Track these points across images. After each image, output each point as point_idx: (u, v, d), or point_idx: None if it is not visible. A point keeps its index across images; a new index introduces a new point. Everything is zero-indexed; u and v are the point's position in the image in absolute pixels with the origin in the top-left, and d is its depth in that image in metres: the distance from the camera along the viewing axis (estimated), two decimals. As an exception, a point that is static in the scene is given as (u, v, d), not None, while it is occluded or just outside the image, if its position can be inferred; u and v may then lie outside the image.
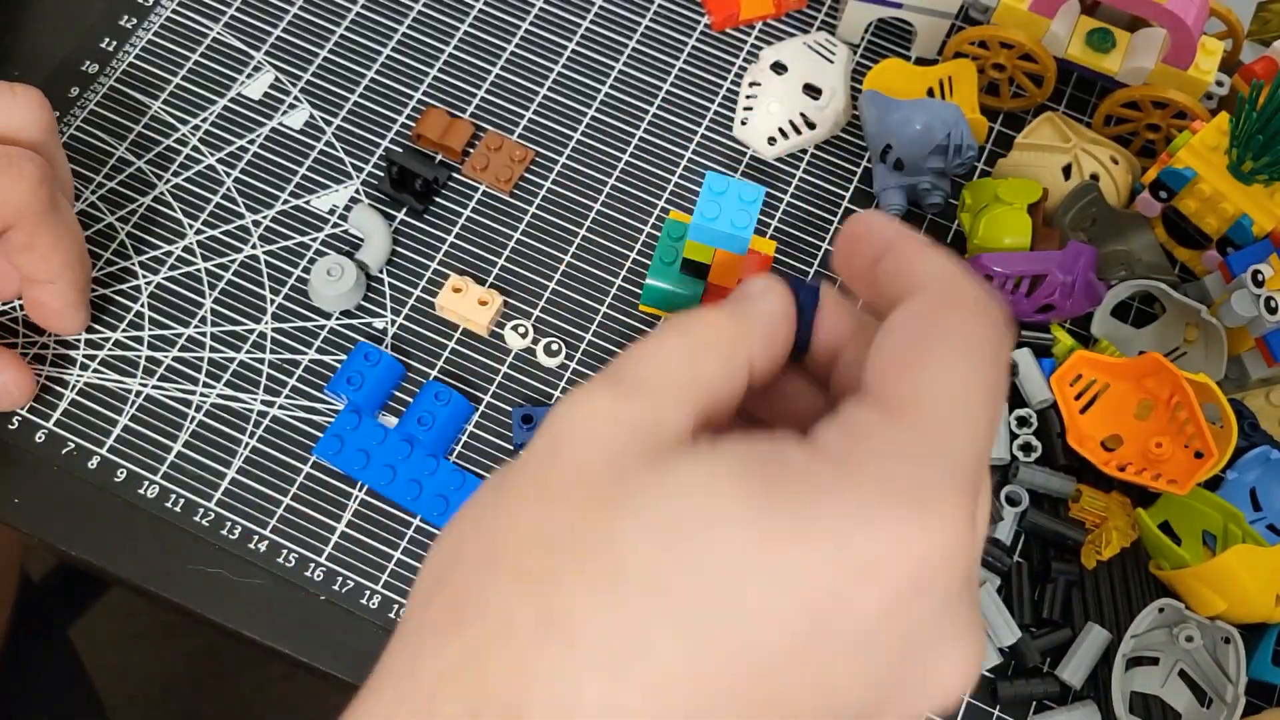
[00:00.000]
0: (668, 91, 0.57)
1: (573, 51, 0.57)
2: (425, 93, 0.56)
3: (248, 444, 0.48)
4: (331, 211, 0.53)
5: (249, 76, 0.55)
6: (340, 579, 0.46)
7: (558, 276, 0.52)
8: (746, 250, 0.46)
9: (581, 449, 0.23)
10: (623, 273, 0.53)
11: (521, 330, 0.51)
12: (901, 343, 0.24)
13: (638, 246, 0.53)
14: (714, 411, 0.25)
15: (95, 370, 0.49)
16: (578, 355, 0.51)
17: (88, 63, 0.55)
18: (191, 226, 0.52)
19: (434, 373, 0.50)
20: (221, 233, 0.52)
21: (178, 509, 0.47)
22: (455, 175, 0.54)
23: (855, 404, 0.23)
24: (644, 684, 0.20)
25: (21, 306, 0.50)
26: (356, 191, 0.53)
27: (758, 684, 0.21)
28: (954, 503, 0.21)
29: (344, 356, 0.50)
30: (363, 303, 0.51)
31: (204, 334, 0.50)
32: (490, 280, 0.52)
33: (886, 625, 0.21)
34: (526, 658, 0.21)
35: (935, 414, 0.22)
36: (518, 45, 0.57)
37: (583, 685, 0.20)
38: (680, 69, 0.57)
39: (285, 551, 0.47)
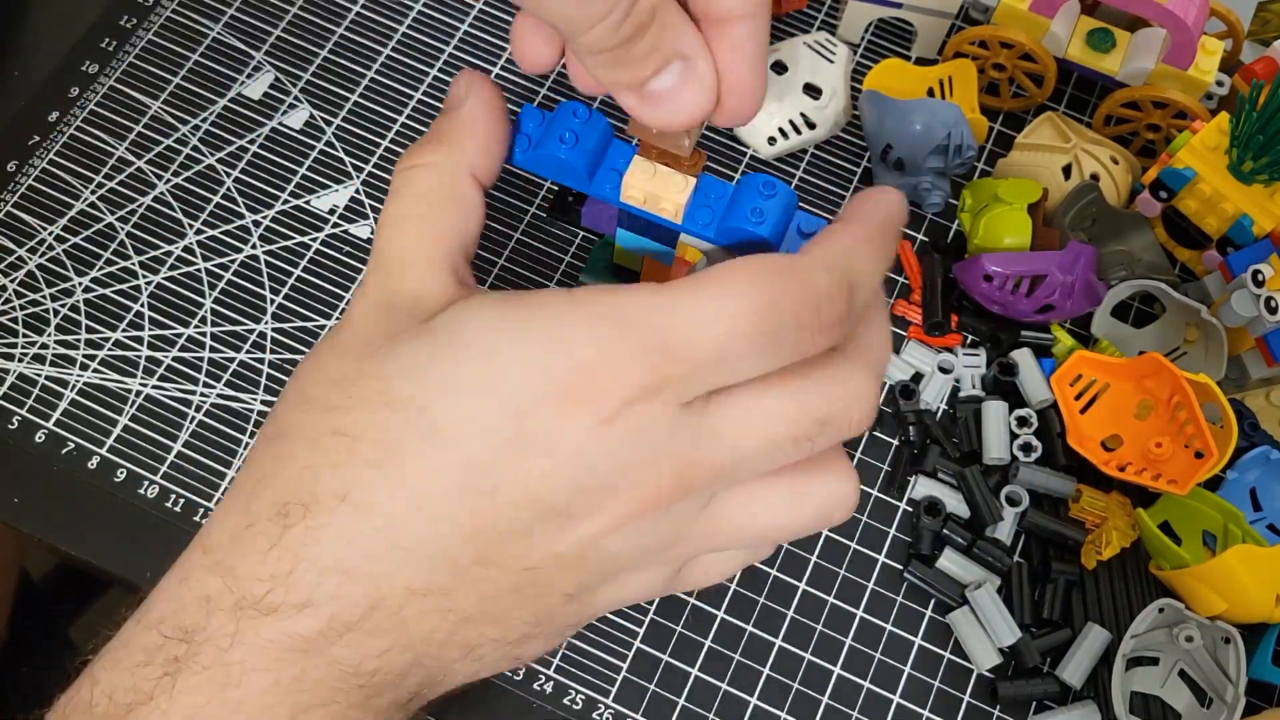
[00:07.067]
0: (668, 91, 0.57)
1: (573, 51, 0.57)
2: (425, 93, 0.56)
3: (248, 444, 0.48)
4: (331, 211, 0.53)
5: (249, 76, 0.55)
6: (340, 579, 0.46)
7: (557, 276, 0.52)
8: (672, 262, 0.40)
9: (361, 321, 0.31)
10: (623, 273, 0.53)
11: (521, 330, 0.51)
12: None
13: (638, 246, 0.53)
14: (467, 238, 0.33)
15: (95, 370, 0.49)
16: (578, 355, 0.51)
17: (88, 63, 0.55)
18: (191, 226, 0.52)
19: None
20: (221, 233, 0.52)
21: (178, 509, 0.47)
22: (455, 175, 0.54)
23: None
24: (402, 475, 0.28)
25: (24, 306, 0.50)
26: (357, 191, 0.53)
27: (487, 472, 0.28)
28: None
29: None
30: (363, 303, 0.51)
31: (204, 334, 0.50)
32: (490, 280, 0.52)
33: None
34: (317, 460, 0.28)
35: None
36: (518, 45, 0.57)
37: (358, 478, 0.28)
38: (680, 69, 0.57)
39: (285, 551, 0.46)
